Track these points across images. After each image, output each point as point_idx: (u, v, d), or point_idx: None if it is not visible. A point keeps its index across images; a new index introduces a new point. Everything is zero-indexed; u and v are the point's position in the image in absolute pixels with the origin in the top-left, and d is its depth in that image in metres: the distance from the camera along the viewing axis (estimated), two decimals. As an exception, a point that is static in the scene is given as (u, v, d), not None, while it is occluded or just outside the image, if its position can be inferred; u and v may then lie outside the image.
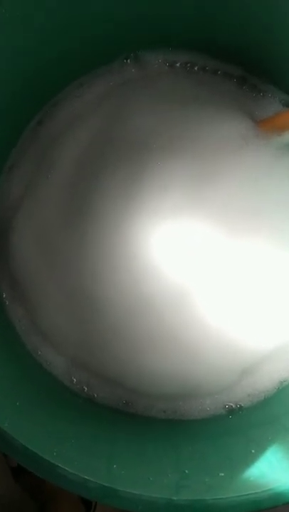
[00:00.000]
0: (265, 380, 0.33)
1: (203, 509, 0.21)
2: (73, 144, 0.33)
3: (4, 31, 0.26)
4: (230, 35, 0.31)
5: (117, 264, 0.31)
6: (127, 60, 0.34)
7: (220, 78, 0.35)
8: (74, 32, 0.29)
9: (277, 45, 0.30)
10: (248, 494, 0.22)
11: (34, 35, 0.28)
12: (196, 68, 0.35)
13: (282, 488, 0.22)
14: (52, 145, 0.33)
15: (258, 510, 0.21)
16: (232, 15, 0.29)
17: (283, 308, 0.32)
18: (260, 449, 0.26)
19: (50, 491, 0.49)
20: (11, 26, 0.26)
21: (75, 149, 0.32)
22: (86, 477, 0.22)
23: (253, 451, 0.26)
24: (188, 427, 0.32)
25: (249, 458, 0.26)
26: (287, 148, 0.32)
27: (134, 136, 0.32)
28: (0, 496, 0.40)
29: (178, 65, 0.35)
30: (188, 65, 0.35)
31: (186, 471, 0.25)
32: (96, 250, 0.31)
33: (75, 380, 0.33)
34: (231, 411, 0.33)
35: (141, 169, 0.31)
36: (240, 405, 0.33)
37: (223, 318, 0.32)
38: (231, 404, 0.33)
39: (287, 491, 0.22)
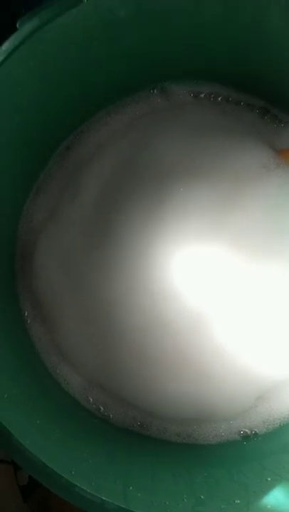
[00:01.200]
0: (281, 406, 0.33)
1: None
2: (99, 170, 0.34)
3: (39, 65, 0.27)
4: (251, 69, 0.32)
5: (138, 287, 0.32)
6: (153, 91, 0.35)
7: (242, 109, 0.36)
8: (103, 66, 0.31)
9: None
10: (264, 523, 0.22)
11: (65, 68, 0.29)
12: (219, 99, 0.36)
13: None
14: (78, 171, 0.34)
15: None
16: (253, 51, 0.30)
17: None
18: (276, 477, 0.26)
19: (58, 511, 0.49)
20: (44, 59, 0.27)
21: (101, 175, 0.33)
22: (104, 498, 0.22)
23: (268, 479, 0.26)
24: (203, 452, 0.32)
25: (265, 486, 0.26)
26: (308, 178, 0.33)
27: (158, 164, 0.33)
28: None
29: (202, 95, 0.36)
30: (212, 95, 0.36)
31: (202, 497, 0.25)
32: (118, 274, 0.32)
33: (91, 399, 0.33)
34: (246, 437, 0.33)
35: (164, 196, 0.32)
36: (255, 432, 0.33)
37: (239, 343, 0.32)
38: (246, 430, 0.33)
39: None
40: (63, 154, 0.35)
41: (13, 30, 0.25)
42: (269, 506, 0.23)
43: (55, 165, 0.35)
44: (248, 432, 0.33)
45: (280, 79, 0.32)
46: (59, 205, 0.34)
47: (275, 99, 0.35)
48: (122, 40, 0.29)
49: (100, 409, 0.33)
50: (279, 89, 0.33)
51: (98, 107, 0.34)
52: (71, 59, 0.29)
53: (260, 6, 0.26)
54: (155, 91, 0.35)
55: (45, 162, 0.35)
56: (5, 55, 0.24)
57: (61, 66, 0.29)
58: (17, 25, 0.25)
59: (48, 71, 0.28)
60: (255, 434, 0.33)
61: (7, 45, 0.25)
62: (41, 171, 0.34)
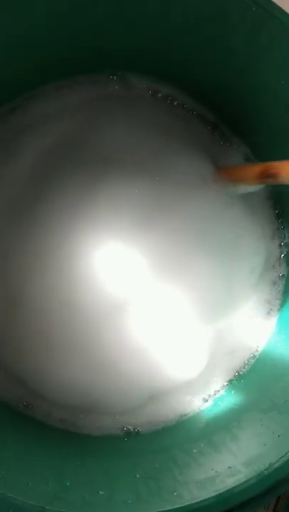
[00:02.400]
0: (167, 409, 0.34)
1: (73, 523, 0.21)
2: (40, 141, 0.33)
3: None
4: (210, 84, 0.33)
5: (54, 270, 0.31)
6: (113, 77, 0.35)
7: (195, 118, 0.37)
8: (65, 33, 0.30)
9: (249, 105, 0.32)
10: (120, 516, 0.22)
11: (25, 27, 0.28)
12: (175, 103, 0.36)
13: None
14: (18, 136, 0.33)
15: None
16: (213, 67, 0.31)
17: (198, 347, 0.34)
18: (145, 475, 0.27)
19: None
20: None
21: (41, 146, 0.32)
22: None
23: (137, 475, 0.27)
24: (82, 442, 0.32)
25: (131, 482, 0.26)
26: (238, 198, 0.34)
27: (100, 150, 0.33)
28: None
29: (160, 95, 0.36)
30: (170, 98, 0.36)
31: (68, 484, 0.25)
32: (36, 251, 0.31)
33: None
34: (128, 434, 0.33)
35: (99, 184, 0.32)
36: (138, 430, 0.34)
37: (143, 342, 0.33)
38: (130, 427, 0.34)
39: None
40: (6, 116, 0.33)
41: None
42: (130, 501, 0.24)
43: (-6, 124, 0.33)
44: (132, 429, 0.33)
45: (234, 100, 0.33)
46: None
47: (226, 118, 0.36)
48: (90, 13, 0.28)
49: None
50: (231, 109, 0.35)
51: (52, 77, 0.33)
52: (33, 22, 0.28)
53: (225, 23, 0.27)
54: (115, 77, 0.35)
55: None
56: None
57: (18, 25, 0.28)
58: None
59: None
60: (138, 432, 0.34)
61: None
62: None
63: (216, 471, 0.25)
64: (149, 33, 0.30)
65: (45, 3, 0.27)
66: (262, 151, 0.36)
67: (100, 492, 0.24)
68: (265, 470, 0.23)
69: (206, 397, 0.35)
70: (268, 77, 0.30)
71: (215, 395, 0.35)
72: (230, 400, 0.34)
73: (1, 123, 0.34)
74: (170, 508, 0.23)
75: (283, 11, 0.25)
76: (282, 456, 0.24)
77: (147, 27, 0.30)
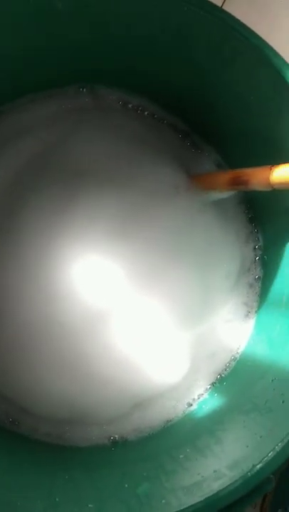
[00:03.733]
0: (153, 417, 0.35)
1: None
2: (15, 155, 0.33)
3: None
4: (179, 94, 0.34)
5: (33, 284, 0.31)
6: (82, 89, 0.35)
7: (166, 128, 0.37)
8: (32, 47, 0.30)
9: (218, 113, 0.33)
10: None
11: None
12: (146, 113, 0.37)
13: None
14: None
15: None
16: (183, 77, 0.32)
17: (179, 352, 0.34)
18: (133, 484, 0.27)
19: None
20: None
21: (14, 162, 0.33)
22: None
23: (126, 485, 0.27)
24: (70, 454, 0.32)
25: (120, 492, 0.26)
26: (211, 205, 0.35)
27: (74, 162, 0.33)
28: None
29: (130, 106, 0.36)
30: (140, 108, 0.37)
31: (57, 499, 0.25)
32: (16, 263, 0.31)
33: None
34: (115, 443, 0.34)
35: (74, 196, 0.32)
36: (125, 439, 0.34)
37: (126, 351, 0.33)
38: (116, 436, 0.34)
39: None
40: (-24, 132, 0.33)
41: None
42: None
43: None
44: (118, 438, 0.34)
45: (203, 109, 0.34)
46: None
47: (197, 126, 0.37)
48: (55, 30, 0.28)
49: None
50: (201, 118, 0.35)
51: (23, 91, 0.33)
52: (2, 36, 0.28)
53: (189, 36, 0.28)
54: (84, 90, 0.35)
55: None
56: None
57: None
58: None
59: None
60: (125, 441, 0.34)
61: None
62: None
63: (202, 476, 0.26)
64: (115, 46, 0.31)
65: (14, 24, 0.27)
66: (233, 158, 0.37)
67: (89, 505, 0.25)
68: (249, 472, 0.24)
69: (190, 401, 0.35)
70: (235, 86, 0.31)
71: (199, 398, 0.35)
72: (214, 403, 0.34)
73: (-28, 139, 0.34)
74: (159, 516, 0.23)
75: (245, 25, 0.26)
76: (265, 457, 0.24)
77: (113, 42, 0.30)
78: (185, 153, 0.37)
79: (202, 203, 0.35)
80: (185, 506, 0.24)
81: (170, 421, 0.35)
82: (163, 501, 0.25)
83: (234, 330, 0.37)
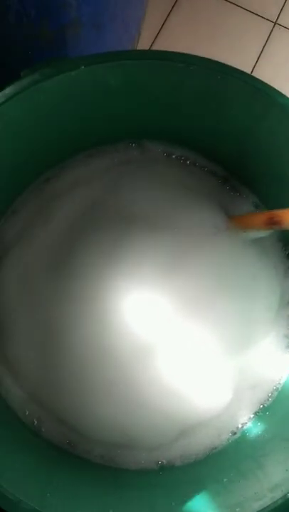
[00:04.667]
0: (198, 444, 0.36)
1: None
2: (72, 205, 0.37)
3: (33, 109, 0.31)
4: (218, 145, 0.38)
5: (89, 317, 0.35)
6: (132, 144, 0.40)
7: (207, 174, 0.41)
8: (91, 120, 0.35)
9: (253, 161, 0.37)
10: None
11: (57, 116, 0.33)
12: (188, 162, 0.41)
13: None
14: (53, 202, 0.38)
15: None
16: (220, 130, 0.36)
17: (223, 382, 0.36)
18: (180, 504, 0.29)
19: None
20: (39, 107, 0.32)
21: (72, 210, 0.37)
22: (21, 498, 0.24)
23: (173, 503, 0.29)
24: (121, 475, 0.35)
25: (168, 510, 0.29)
26: (251, 243, 0.38)
27: (125, 210, 0.37)
28: None
29: (174, 156, 0.41)
30: (183, 158, 0.41)
31: (111, 512, 0.28)
32: (72, 300, 0.35)
33: (27, 412, 0.36)
34: (163, 467, 0.36)
35: (126, 238, 0.36)
36: (172, 464, 0.36)
37: (174, 380, 0.35)
38: (164, 461, 0.36)
39: None
40: (42, 185, 0.39)
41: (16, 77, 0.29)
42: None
43: (32, 193, 0.38)
44: (165, 463, 0.36)
45: (241, 158, 0.38)
46: (29, 229, 0.37)
47: (235, 172, 0.40)
48: (109, 102, 0.33)
49: (34, 422, 0.36)
50: (239, 165, 0.39)
51: (81, 149, 0.38)
52: (63, 110, 0.33)
53: (224, 96, 0.32)
54: (133, 145, 0.40)
55: (24, 189, 0.38)
56: (5, 98, 0.28)
57: (54, 114, 0.33)
58: (21, 75, 0.29)
59: (41, 115, 0.32)
60: (172, 466, 0.36)
61: (9, 89, 0.29)
62: (18, 197, 0.38)
63: (244, 497, 0.27)
64: (161, 107, 0.35)
65: (72, 101, 0.32)
66: (270, 199, 0.40)
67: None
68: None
69: (234, 429, 0.37)
70: (268, 137, 0.34)
71: (242, 427, 0.37)
72: (257, 431, 0.36)
73: (37, 190, 0.39)
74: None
75: (271, 86, 0.30)
76: (304, 480, 0.26)
77: (159, 104, 0.35)
78: (224, 197, 0.40)
79: (242, 242, 0.38)
80: (227, 523, 0.25)
81: (215, 448, 0.36)
82: (207, 519, 0.27)
83: (276, 361, 0.38)
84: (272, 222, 0.33)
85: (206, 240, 0.38)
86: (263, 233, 0.36)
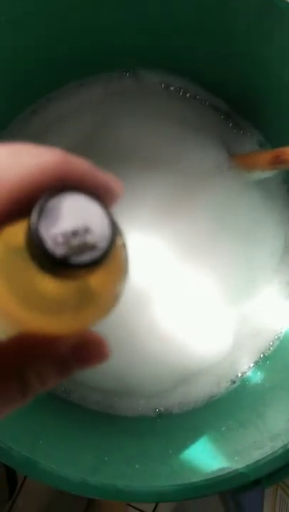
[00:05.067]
0: (198, 391, 0.36)
1: (113, 492, 0.23)
2: (60, 139, 0.34)
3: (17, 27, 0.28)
4: (221, 75, 0.34)
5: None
6: (126, 73, 0.36)
7: (208, 109, 0.38)
8: (78, 36, 0.31)
9: (260, 93, 0.33)
10: (155, 486, 0.24)
11: (42, 32, 0.30)
12: (188, 95, 0.37)
13: (187, 486, 0.24)
14: (39, 136, 0.35)
15: (162, 501, 0.24)
16: (226, 59, 0.32)
17: (223, 329, 0.35)
18: (177, 451, 0.29)
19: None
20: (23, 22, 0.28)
21: (61, 144, 0.34)
22: (11, 445, 0.23)
23: (170, 451, 0.29)
24: (118, 422, 0.34)
25: (165, 456, 0.28)
26: (254, 184, 0.35)
27: (119, 144, 0.34)
28: None
29: (172, 88, 0.37)
30: (182, 90, 0.37)
31: (106, 459, 0.27)
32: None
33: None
34: (160, 415, 0.35)
35: (119, 176, 0.33)
36: (170, 411, 0.35)
37: (174, 326, 0.34)
38: (162, 408, 0.35)
39: (191, 489, 0.24)
40: (28, 118, 0.35)
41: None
42: (163, 473, 0.26)
43: (17, 127, 0.35)
44: (163, 410, 0.35)
45: (245, 89, 0.34)
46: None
47: (239, 107, 0.37)
48: (100, 19, 0.29)
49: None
50: (243, 99, 0.35)
51: (70, 77, 0.35)
52: (52, 23, 0.29)
53: (227, 12, 0.28)
54: (128, 74, 0.36)
55: (8, 122, 0.35)
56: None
57: (42, 34, 0.29)
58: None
59: (27, 29, 0.28)
60: (170, 413, 0.35)
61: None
62: (2, 131, 0.35)
63: (243, 446, 0.27)
64: (156, 28, 0.31)
65: (58, 17, 0.28)
66: (275, 138, 0.37)
67: (136, 465, 0.26)
68: (289, 442, 0.25)
69: (234, 378, 0.36)
70: (275, 64, 0.30)
71: (242, 376, 0.36)
72: (257, 381, 0.35)
73: (23, 125, 0.36)
74: (202, 479, 0.25)
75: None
76: (306, 429, 0.25)
77: (154, 23, 0.31)
78: (227, 134, 0.37)
79: (245, 183, 0.35)
80: (226, 472, 0.25)
81: (213, 396, 0.36)
82: (206, 467, 0.26)
83: (278, 309, 0.37)
84: (278, 161, 0.30)
85: (208, 180, 0.35)
86: (267, 174, 0.34)
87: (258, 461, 0.25)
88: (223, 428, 0.30)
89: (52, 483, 0.23)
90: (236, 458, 0.26)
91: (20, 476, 0.62)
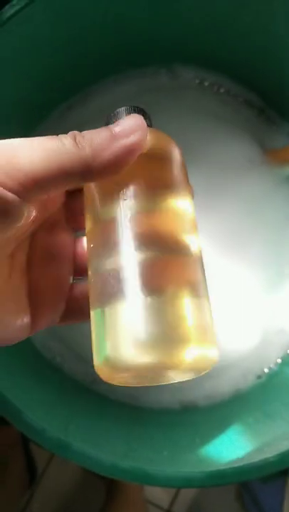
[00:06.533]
0: (224, 386, 0.36)
1: (142, 476, 0.24)
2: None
3: (57, 21, 0.28)
4: (257, 70, 0.34)
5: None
6: (161, 69, 0.37)
7: (241, 104, 0.38)
8: (112, 33, 0.32)
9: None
10: (182, 472, 0.24)
11: (78, 31, 0.30)
12: (221, 90, 0.37)
13: (214, 473, 0.25)
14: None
15: (188, 486, 0.24)
16: (263, 54, 0.32)
17: (251, 324, 0.35)
18: (204, 441, 0.29)
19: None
20: (60, 18, 0.29)
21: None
22: (45, 427, 0.24)
23: (197, 440, 0.29)
24: (144, 413, 0.35)
25: (192, 445, 0.28)
26: (287, 179, 0.35)
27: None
28: None
29: (206, 83, 0.37)
30: (216, 85, 0.37)
31: (135, 446, 0.28)
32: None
33: (50, 350, 0.36)
34: (185, 407, 0.35)
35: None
36: (195, 404, 0.36)
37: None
38: (187, 401, 0.36)
39: (218, 476, 0.24)
40: (64, 113, 0.36)
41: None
42: (191, 460, 0.26)
43: (53, 122, 0.36)
44: (188, 403, 0.35)
45: (279, 85, 0.34)
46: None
47: (272, 102, 0.37)
48: (138, 12, 0.30)
49: (56, 359, 0.36)
50: (277, 94, 0.35)
51: (106, 74, 0.36)
52: (86, 25, 0.30)
53: (265, 11, 0.28)
54: (163, 70, 0.37)
55: (45, 117, 0.36)
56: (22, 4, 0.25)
57: (78, 29, 0.30)
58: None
59: (66, 32, 0.29)
60: (196, 406, 0.35)
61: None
62: (39, 124, 0.35)
63: (272, 437, 0.27)
64: (193, 24, 0.32)
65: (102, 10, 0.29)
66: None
67: (164, 452, 0.27)
68: None
69: (260, 373, 0.36)
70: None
71: (268, 371, 0.36)
72: (283, 376, 0.35)
73: (59, 120, 0.36)
74: (230, 466, 0.25)
75: None
76: None
77: (189, 17, 0.31)
78: (260, 129, 0.37)
79: (278, 177, 0.35)
80: (255, 460, 0.25)
81: (240, 390, 0.36)
82: (234, 456, 0.26)
83: (307, 306, 0.37)
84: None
85: (240, 174, 0.35)
86: (301, 169, 0.34)
87: (287, 451, 0.25)
88: (251, 420, 0.30)
89: (84, 464, 0.24)
90: (265, 448, 0.26)
91: (39, 467, 0.63)
